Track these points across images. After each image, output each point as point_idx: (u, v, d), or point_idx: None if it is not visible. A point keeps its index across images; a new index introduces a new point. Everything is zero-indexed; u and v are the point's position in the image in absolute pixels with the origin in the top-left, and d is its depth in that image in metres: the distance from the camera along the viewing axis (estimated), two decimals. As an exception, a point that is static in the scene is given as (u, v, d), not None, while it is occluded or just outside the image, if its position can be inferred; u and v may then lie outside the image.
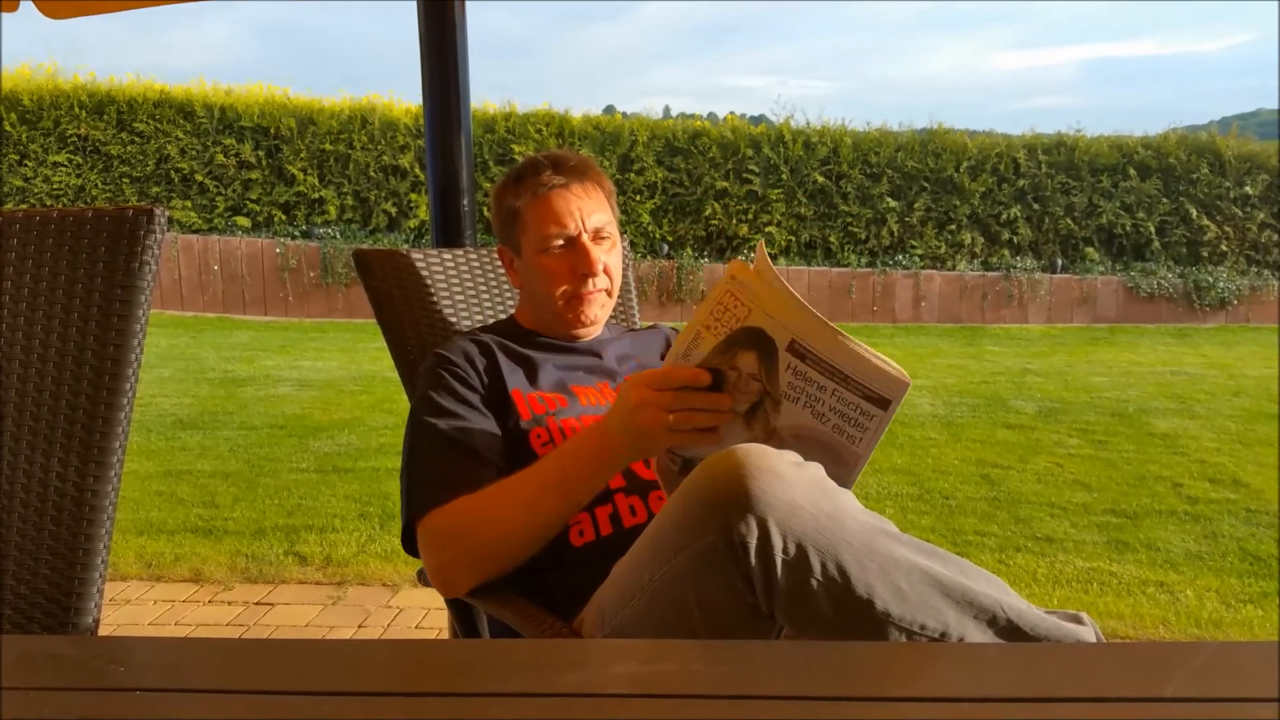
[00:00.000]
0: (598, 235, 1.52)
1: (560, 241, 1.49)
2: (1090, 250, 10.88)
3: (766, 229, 10.73)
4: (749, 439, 1.16)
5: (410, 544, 1.36)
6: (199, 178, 10.54)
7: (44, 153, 10.42)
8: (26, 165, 10.41)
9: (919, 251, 10.79)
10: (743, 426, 1.16)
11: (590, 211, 1.51)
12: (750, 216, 10.81)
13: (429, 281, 1.79)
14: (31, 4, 2.42)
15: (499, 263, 1.89)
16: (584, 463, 1.24)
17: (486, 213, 1.76)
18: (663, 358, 1.66)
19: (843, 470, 1.15)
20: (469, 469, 1.33)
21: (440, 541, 1.30)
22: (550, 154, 1.54)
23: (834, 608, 1.01)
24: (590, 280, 1.51)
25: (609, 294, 1.56)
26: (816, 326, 1.08)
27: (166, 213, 1.12)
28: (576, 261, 1.50)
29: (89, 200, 10.35)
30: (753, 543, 1.01)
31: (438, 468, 1.35)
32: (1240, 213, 10.90)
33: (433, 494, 1.32)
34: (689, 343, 1.13)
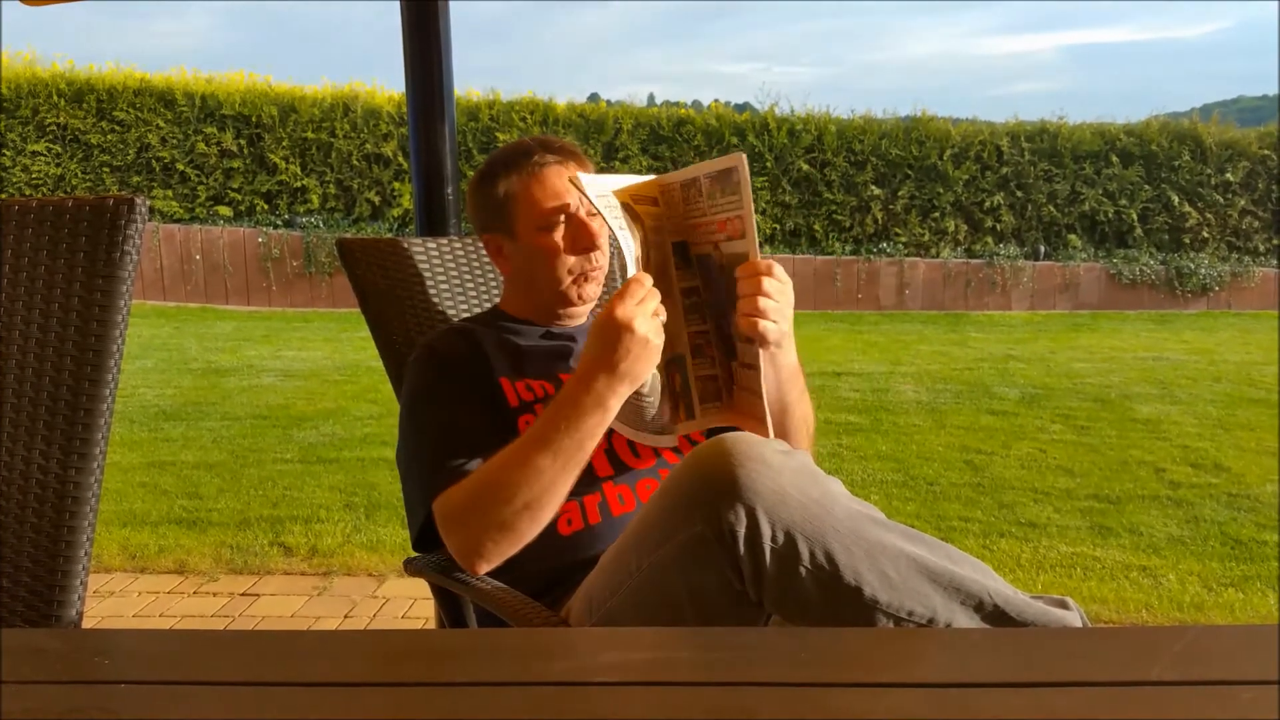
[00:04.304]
0: (590, 214, 1.50)
1: (560, 217, 1.47)
2: (1073, 237, 10.92)
3: (751, 217, 10.72)
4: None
5: (423, 544, 1.35)
6: (180, 167, 10.45)
7: (22, 141, 10.30)
8: (5, 154, 10.30)
9: (903, 239, 10.81)
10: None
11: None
12: (735, 204, 10.78)
13: (413, 270, 1.78)
14: (8, -9, 2.39)
15: (484, 252, 1.88)
16: (582, 416, 1.21)
17: (470, 201, 1.74)
18: None
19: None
20: (467, 454, 1.32)
21: (455, 521, 1.28)
22: (535, 137, 1.54)
23: (822, 595, 1.02)
24: (593, 255, 1.49)
25: (602, 273, 1.55)
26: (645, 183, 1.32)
27: (148, 202, 1.11)
28: (578, 236, 1.48)
29: (69, 190, 10.25)
30: (741, 531, 1.01)
31: (438, 456, 1.34)
32: (1221, 199, 10.96)
33: (437, 480, 1.31)
34: (642, 252, 1.29)
